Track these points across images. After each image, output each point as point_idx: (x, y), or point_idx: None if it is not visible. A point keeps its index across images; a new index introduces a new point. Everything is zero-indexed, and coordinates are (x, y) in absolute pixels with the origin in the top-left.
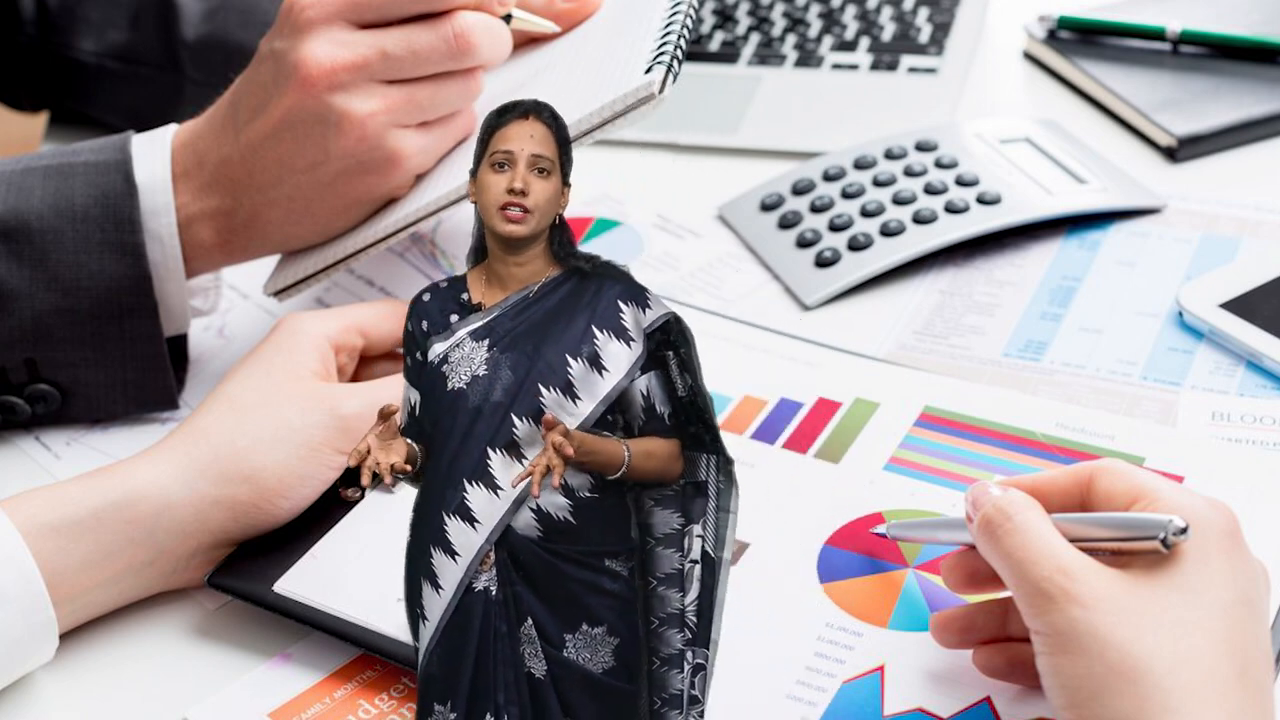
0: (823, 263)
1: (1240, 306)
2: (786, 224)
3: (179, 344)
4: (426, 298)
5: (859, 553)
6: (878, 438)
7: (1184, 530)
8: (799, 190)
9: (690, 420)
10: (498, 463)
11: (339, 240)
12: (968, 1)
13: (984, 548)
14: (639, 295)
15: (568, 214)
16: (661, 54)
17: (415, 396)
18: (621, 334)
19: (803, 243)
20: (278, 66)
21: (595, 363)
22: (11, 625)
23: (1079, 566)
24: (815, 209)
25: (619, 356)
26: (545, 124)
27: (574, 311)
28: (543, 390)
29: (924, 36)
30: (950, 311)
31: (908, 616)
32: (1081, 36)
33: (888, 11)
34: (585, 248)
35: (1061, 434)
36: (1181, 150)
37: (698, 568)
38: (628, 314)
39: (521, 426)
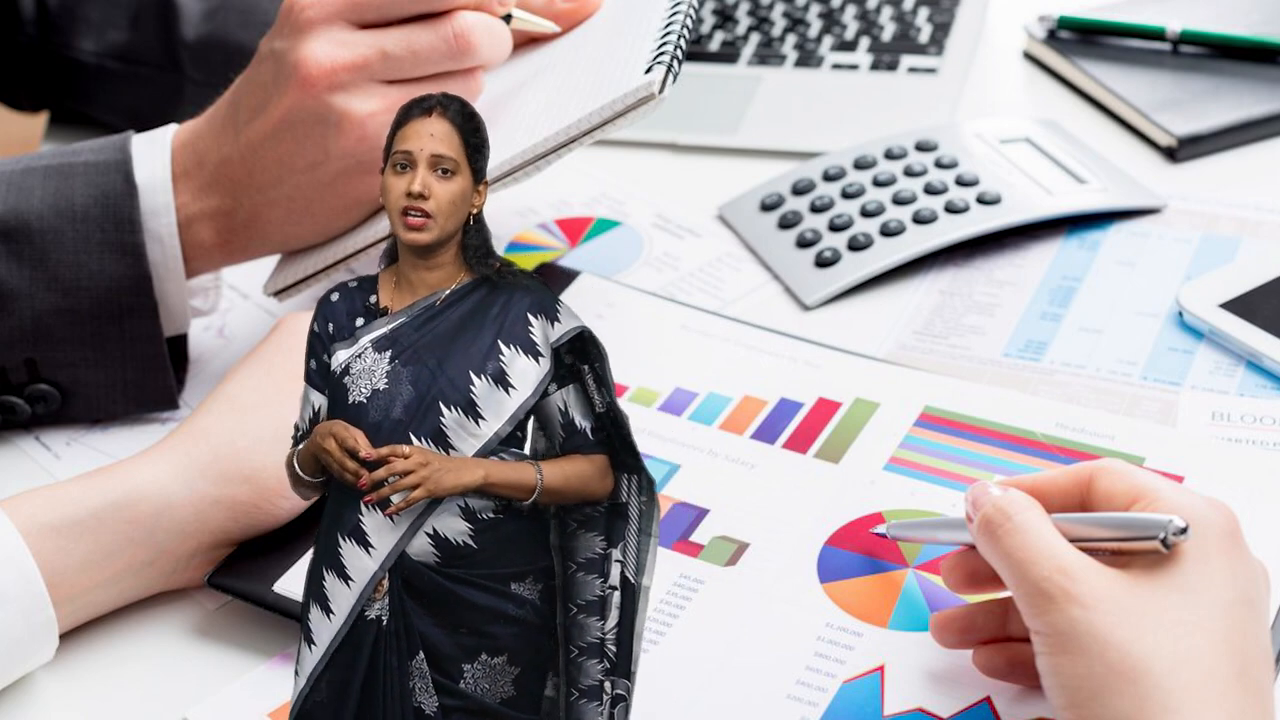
0: (823, 263)
1: (1240, 306)
2: (786, 224)
3: (179, 344)
4: (334, 297)
5: (859, 553)
6: (878, 438)
7: (1184, 530)
8: (799, 190)
9: (612, 435)
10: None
11: (339, 240)
12: (968, 1)
13: (984, 548)
14: (549, 308)
15: (567, 214)
16: (661, 54)
17: (320, 401)
18: (530, 349)
19: (803, 243)
20: (278, 66)
21: (501, 380)
22: (11, 625)
23: (1079, 566)
24: (815, 209)
25: (526, 373)
26: (450, 120)
27: (481, 324)
28: (444, 409)
29: (924, 36)
30: (950, 311)
31: (908, 616)
32: (1081, 36)
33: (888, 11)
34: (585, 247)
35: (1061, 434)
36: (1181, 150)
37: (616, 594)
38: (537, 327)
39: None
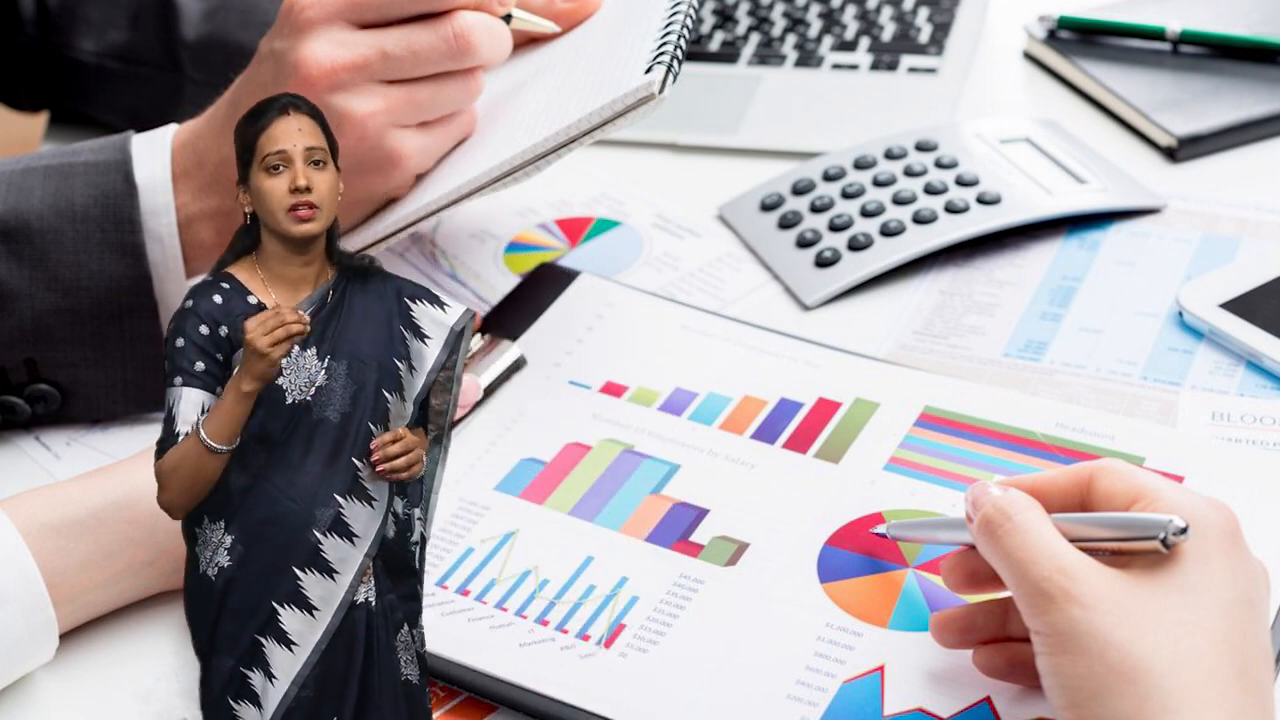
0: (823, 263)
1: (1240, 306)
2: (786, 224)
3: None
4: (218, 299)
5: (859, 553)
6: (878, 438)
7: (1184, 530)
8: (799, 190)
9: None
10: (368, 474)
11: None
12: (968, 1)
13: (984, 548)
14: (425, 292)
15: (567, 214)
16: (661, 54)
17: (205, 400)
18: (418, 332)
19: (803, 243)
20: (278, 66)
21: (409, 363)
22: (11, 625)
23: (1079, 566)
24: (815, 209)
25: (422, 355)
26: (308, 114)
27: (378, 313)
28: (388, 395)
29: (924, 36)
30: (950, 311)
31: (908, 616)
32: (1081, 36)
33: (888, 11)
34: (585, 247)
35: (1061, 434)
36: (1181, 150)
37: (418, 549)
38: (419, 311)
39: (379, 434)
